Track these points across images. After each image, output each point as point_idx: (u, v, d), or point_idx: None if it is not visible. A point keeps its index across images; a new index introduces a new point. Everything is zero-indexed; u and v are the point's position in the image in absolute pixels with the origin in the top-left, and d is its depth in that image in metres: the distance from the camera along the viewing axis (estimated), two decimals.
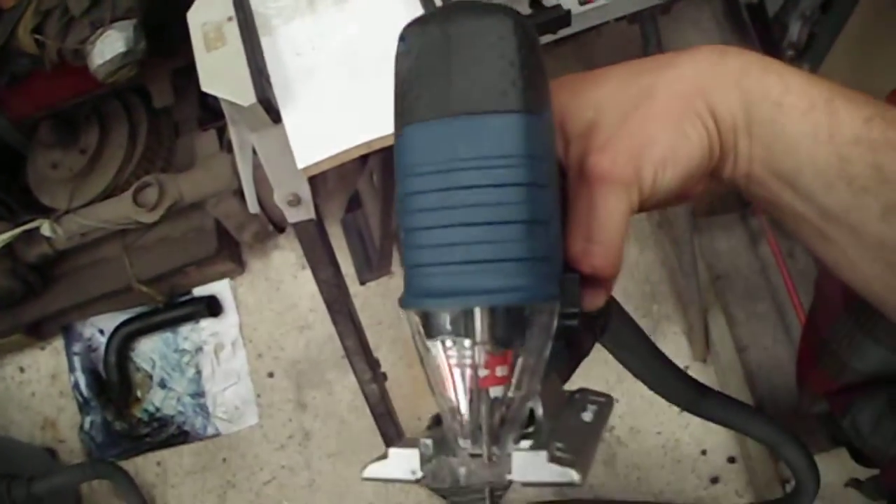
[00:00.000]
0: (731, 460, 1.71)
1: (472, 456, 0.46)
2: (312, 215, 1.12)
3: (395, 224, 1.50)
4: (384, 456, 0.47)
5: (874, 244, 0.47)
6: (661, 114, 0.48)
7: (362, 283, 1.89)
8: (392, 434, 1.41)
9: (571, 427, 0.51)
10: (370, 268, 1.86)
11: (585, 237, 0.48)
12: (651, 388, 0.83)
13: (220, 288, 2.11)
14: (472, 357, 0.44)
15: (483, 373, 0.45)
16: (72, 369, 2.12)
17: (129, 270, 1.89)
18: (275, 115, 1.03)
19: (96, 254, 1.94)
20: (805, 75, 0.49)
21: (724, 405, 0.90)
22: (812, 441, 1.07)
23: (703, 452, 1.73)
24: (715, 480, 1.71)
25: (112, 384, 2.08)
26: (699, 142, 0.49)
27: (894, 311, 0.50)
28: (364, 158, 1.12)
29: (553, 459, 0.43)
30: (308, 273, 1.59)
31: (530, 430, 0.47)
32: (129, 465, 2.01)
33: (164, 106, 1.86)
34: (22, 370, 2.18)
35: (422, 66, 0.44)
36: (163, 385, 2.09)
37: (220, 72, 1.03)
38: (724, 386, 1.68)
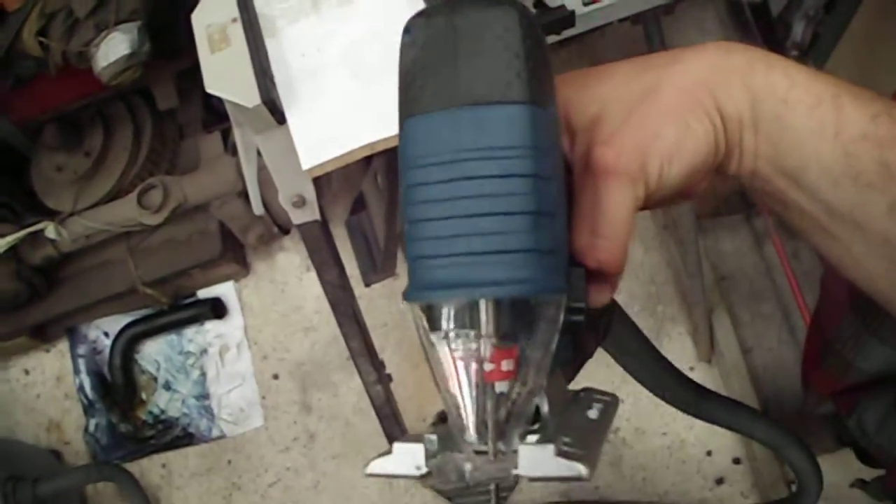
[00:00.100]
0: (737, 461, 1.71)
1: (478, 453, 0.45)
2: (317, 216, 1.12)
3: (399, 220, 1.50)
4: (388, 451, 0.47)
5: (880, 241, 0.47)
6: (667, 108, 0.48)
7: (367, 284, 1.89)
8: (397, 435, 1.40)
9: (577, 424, 0.50)
10: (375, 269, 1.86)
11: (591, 231, 0.48)
12: (653, 391, 0.83)
13: (224, 290, 2.11)
14: (478, 351, 0.44)
15: (489, 367, 0.44)
16: (77, 371, 2.13)
17: (134, 273, 1.89)
18: (279, 117, 1.03)
19: (101, 256, 1.94)
20: (811, 72, 0.48)
21: (726, 408, 0.90)
22: (817, 441, 1.07)
23: (709, 453, 1.72)
24: (720, 481, 1.71)
25: (117, 386, 2.08)
26: (705, 137, 0.48)
27: None
28: (368, 160, 1.12)
29: (560, 454, 0.43)
30: (313, 275, 1.59)
31: (536, 427, 0.46)
32: (133, 467, 2.01)
33: (169, 108, 1.86)
34: (27, 372, 2.18)
35: (427, 56, 0.44)
36: (167, 387, 2.09)
37: (224, 73, 1.03)
38: (728, 387, 1.68)
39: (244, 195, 1.72)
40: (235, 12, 1.06)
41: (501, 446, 0.45)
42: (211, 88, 1.03)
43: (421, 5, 1.04)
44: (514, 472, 0.44)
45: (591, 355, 0.58)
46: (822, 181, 0.47)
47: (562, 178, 0.47)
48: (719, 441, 1.72)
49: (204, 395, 2.06)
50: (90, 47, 1.50)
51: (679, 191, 0.51)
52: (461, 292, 0.43)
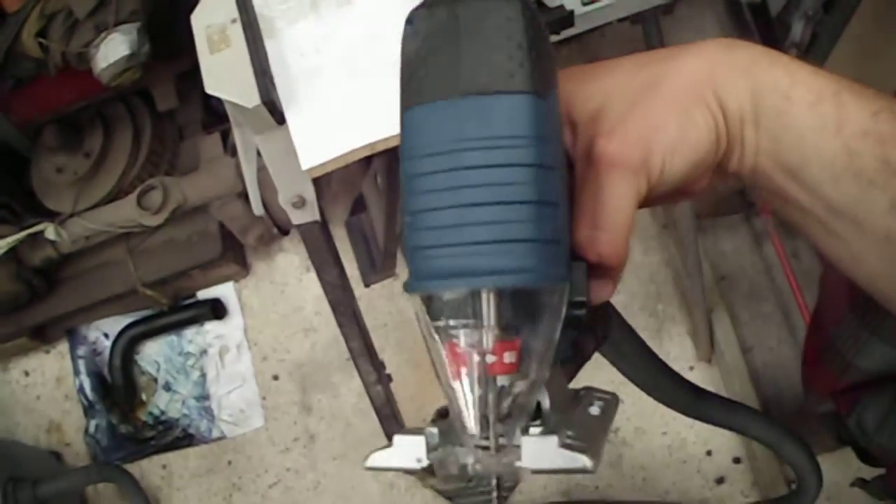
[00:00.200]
0: (737, 461, 1.71)
1: (479, 447, 0.45)
2: (317, 217, 1.12)
3: (399, 220, 1.50)
4: (389, 445, 0.47)
5: (880, 238, 0.47)
6: (669, 102, 0.48)
7: (367, 285, 1.89)
8: None
9: (579, 420, 0.50)
10: (375, 270, 1.86)
11: (592, 224, 0.47)
12: (651, 395, 0.83)
13: (224, 291, 2.11)
14: (480, 342, 0.44)
15: (491, 359, 0.44)
16: (77, 373, 2.13)
17: (134, 274, 1.89)
18: (279, 117, 1.03)
19: (101, 257, 1.94)
20: (812, 69, 0.49)
21: (725, 408, 0.89)
22: (817, 441, 1.07)
23: (709, 453, 1.73)
24: (720, 481, 1.71)
25: (117, 387, 2.08)
26: (707, 131, 0.48)
27: None
28: (368, 160, 1.12)
29: (564, 445, 0.42)
30: (313, 276, 1.59)
31: (537, 422, 0.46)
32: (134, 468, 2.01)
33: (168, 109, 1.86)
34: (27, 374, 2.18)
35: (429, 47, 0.44)
36: (168, 388, 2.09)
37: (224, 74, 1.03)
38: (728, 386, 1.68)
39: (244, 196, 1.72)
40: (235, 13, 1.06)
41: (503, 440, 0.44)
42: (210, 89, 1.03)
43: None
44: (518, 464, 0.43)
45: (589, 357, 0.58)
46: (822, 178, 0.47)
47: (564, 169, 0.47)
48: (719, 440, 1.72)
49: (204, 396, 2.06)
50: (90, 48, 1.50)
51: (680, 187, 0.51)
52: (463, 282, 0.43)
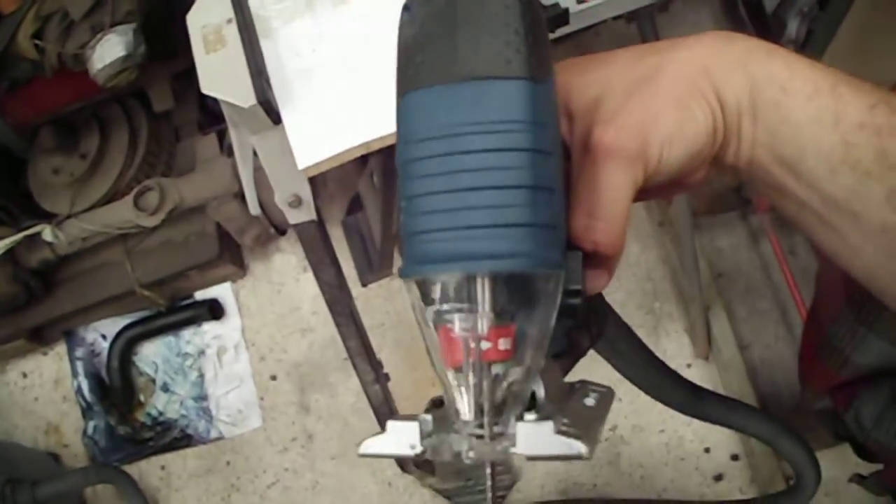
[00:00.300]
0: (735, 458, 1.71)
1: (474, 435, 0.45)
2: (314, 216, 1.12)
3: (396, 218, 1.50)
4: (382, 431, 0.46)
5: (877, 230, 0.47)
6: (667, 92, 0.48)
7: (364, 284, 1.89)
8: None
9: (575, 409, 0.50)
10: (372, 269, 1.86)
11: (588, 213, 0.48)
12: (648, 393, 0.83)
13: (221, 291, 2.11)
14: (475, 328, 0.44)
15: (486, 345, 0.44)
16: (75, 374, 2.12)
17: (131, 275, 1.89)
18: (275, 117, 1.03)
19: (98, 258, 1.94)
20: (810, 62, 0.49)
21: (722, 406, 0.90)
22: (815, 437, 1.07)
23: (707, 450, 1.73)
24: (718, 478, 1.71)
25: (115, 389, 2.08)
26: (705, 122, 0.49)
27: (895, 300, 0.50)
28: (364, 160, 1.12)
29: (559, 432, 0.42)
30: (310, 276, 1.59)
31: (532, 411, 0.46)
32: (132, 469, 2.01)
33: (165, 110, 1.86)
34: (25, 375, 2.18)
35: (426, 32, 0.44)
36: (166, 389, 2.09)
37: (220, 74, 1.03)
38: (726, 383, 1.68)
39: (240, 196, 1.71)
40: (230, 13, 1.06)
41: (498, 428, 0.44)
42: (206, 89, 1.03)
43: None
44: (513, 450, 0.43)
45: (584, 353, 0.58)
46: (819, 170, 0.47)
47: (560, 155, 0.47)
48: (717, 438, 1.72)
49: (202, 397, 2.06)
50: (86, 49, 1.50)
51: (676, 178, 0.51)
52: (458, 266, 0.43)
